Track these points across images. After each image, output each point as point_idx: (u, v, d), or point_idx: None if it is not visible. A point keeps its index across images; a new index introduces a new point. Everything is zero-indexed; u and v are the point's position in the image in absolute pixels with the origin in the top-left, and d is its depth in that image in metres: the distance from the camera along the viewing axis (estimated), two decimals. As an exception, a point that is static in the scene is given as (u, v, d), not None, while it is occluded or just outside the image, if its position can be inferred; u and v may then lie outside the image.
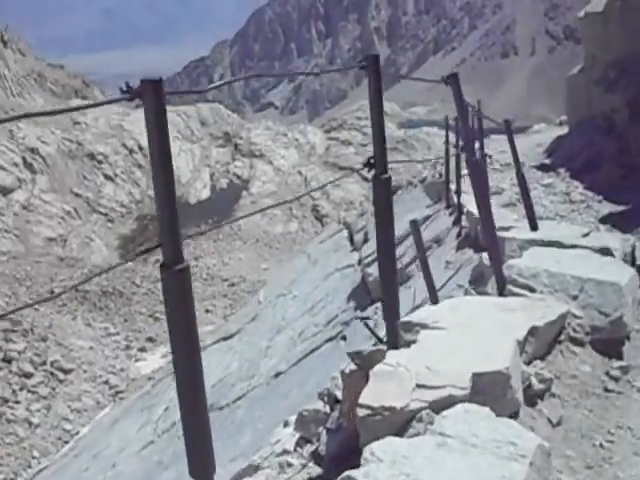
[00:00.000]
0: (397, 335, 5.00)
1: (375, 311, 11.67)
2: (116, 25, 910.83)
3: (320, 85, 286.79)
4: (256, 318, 17.88)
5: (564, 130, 18.02)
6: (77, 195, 62.36)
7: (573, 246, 7.29)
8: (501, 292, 6.18)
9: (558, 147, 16.14)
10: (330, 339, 11.66)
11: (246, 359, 14.22)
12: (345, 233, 19.82)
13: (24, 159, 60.01)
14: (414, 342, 4.88)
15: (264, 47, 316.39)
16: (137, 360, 29.59)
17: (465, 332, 4.98)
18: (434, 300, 7.39)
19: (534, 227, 8.62)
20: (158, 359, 28.51)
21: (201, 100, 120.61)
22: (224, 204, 62.72)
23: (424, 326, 5.17)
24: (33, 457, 19.63)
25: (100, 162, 67.11)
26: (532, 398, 4.63)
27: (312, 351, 11.78)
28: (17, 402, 22.48)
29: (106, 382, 25.27)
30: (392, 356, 4.55)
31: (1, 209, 54.25)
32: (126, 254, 57.47)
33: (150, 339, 32.94)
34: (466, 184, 13.41)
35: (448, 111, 21.54)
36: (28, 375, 24.06)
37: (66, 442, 20.06)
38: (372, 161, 4.96)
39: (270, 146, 74.33)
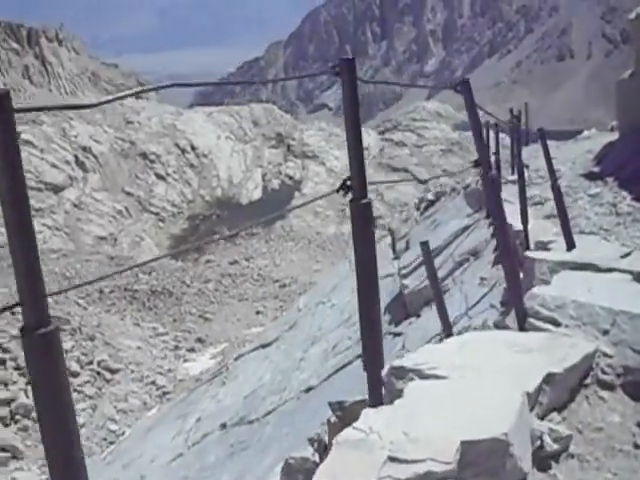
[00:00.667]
0: (379, 388, 4.09)
1: (409, 326, 11.24)
2: (171, 25, 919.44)
3: (374, 86, 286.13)
4: (294, 326, 17.36)
5: (615, 136, 17.21)
6: (128, 194, 62.55)
7: (610, 270, 6.51)
8: (521, 326, 5.45)
9: (607, 154, 15.28)
10: (360, 355, 11.13)
11: (280, 370, 13.64)
12: (389, 239, 18.98)
13: (76, 157, 60.35)
14: (399, 396, 3.92)
15: (318, 48, 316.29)
16: (185, 361, 29.24)
17: (466, 382, 4.07)
18: (448, 332, 6.81)
19: (571, 245, 8.01)
20: (207, 360, 28.11)
21: (255, 100, 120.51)
22: (276, 205, 62.46)
23: (419, 372, 4.24)
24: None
25: (152, 161, 67.31)
26: (544, 461, 3.77)
27: (343, 367, 11.20)
28: (63, 402, 22.19)
29: (153, 383, 24.89)
30: (366, 417, 3.58)
31: (52, 207, 54.55)
32: (177, 254, 57.47)
33: (199, 340, 32.61)
34: (508, 192, 12.53)
35: (503, 113, 20.83)
36: (75, 374, 23.79)
37: (111, 443, 19.70)
38: (348, 183, 3.95)
39: (323, 147, 74.01)
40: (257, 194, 69.27)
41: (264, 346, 17.37)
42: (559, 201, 8.50)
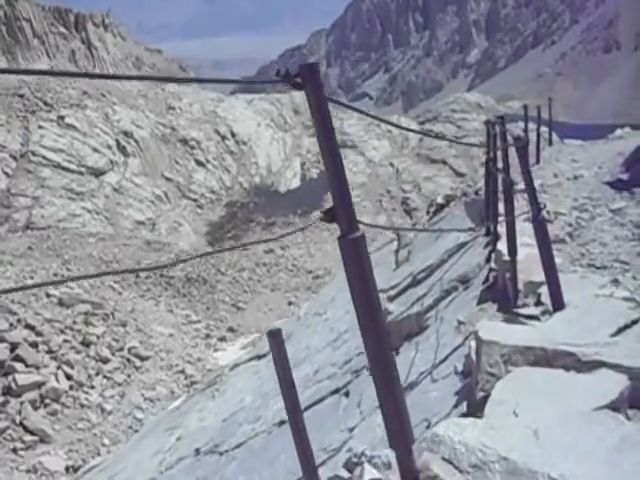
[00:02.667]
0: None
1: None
2: (216, 12, 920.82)
3: (416, 76, 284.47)
4: (289, 338, 15.10)
5: (651, 136, 16.01)
6: (168, 179, 62.80)
7: (596, 364, 4.26)
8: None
9: (639, 159, 13.00)
10: (336, 390, 9.41)
11: (261, 393, 12.04)
12: (395, 245, 16.42)
13: (117, 142, 60.68)
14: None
15: (361, 37, 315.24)
16: (216, 350, 29.28)
17: None
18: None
19: (559, 304, 5.90)
20: (237, 350, 28.08)
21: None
22: (314, 194, 62.35)
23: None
24: (103, 444, 19.40)
25: (192, 147, 67.52)
26: None
27: (315, 403, 9.55)
28: (92, 387, 22.31)
29: (182, 371, 24.96)
30: None
31: (93, 191, 54.94)
32: (214, 240, 57.70)
33: (231, 329, 32.67)
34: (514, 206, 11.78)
35: (543, 104, 20.50)
36: (105, 360, 23.90)
37: (136, 431, 19.77)
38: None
39: (362, 137, 73.77)
40: (295, 183, 69.22)
41: (259, 357, 15.74)
42: (543, 241, 6.19)
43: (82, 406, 21.28)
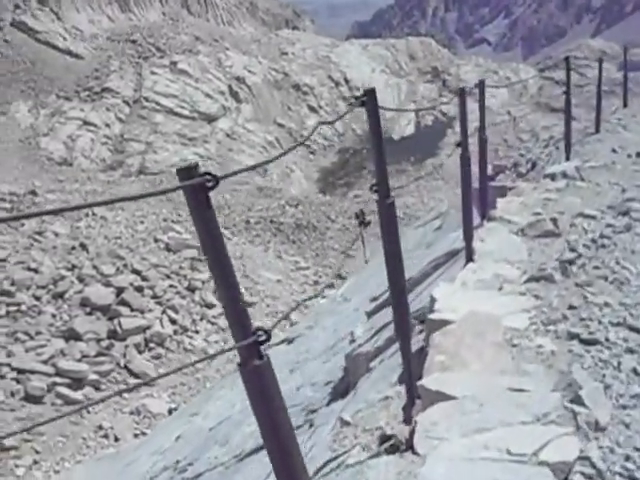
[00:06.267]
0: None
1: (347, 403, 6.54)
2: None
3: (537, 21, 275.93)
4: (311, 328, 13.43)
5: None
6: (280, 125, 62.62)
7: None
8: None
9: None
10: (300, 426, 7.51)
11: (243, 406, 9.78)
12: (436, 222, 14.37)
13: (230, 87, 60.73)
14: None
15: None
16: (324, 297, 29.00)
17: None
18: None
19: None
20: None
21: (413, 33, 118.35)
22: (428, 141, 61.20)
23: None
24: (205, 388, 19.39)
25: (305, 93, 67.08)
26: None
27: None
28: (196, 332, 22.38)
29: (287, 318, 24.76)
30: None
31: (205, 136, 55.25)
32: (325, 187, 57.39)
33: (339, 276, 32.29)
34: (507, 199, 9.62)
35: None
36: (210, 306, 23.94)
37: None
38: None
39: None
40: (409, 130, 68.10)
41: (289, 342, 13.57)
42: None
43: (186, 350, 21.38)
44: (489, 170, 16.14)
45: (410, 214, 45.28)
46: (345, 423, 5.41)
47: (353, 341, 8.56)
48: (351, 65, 72.81)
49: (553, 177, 10.42)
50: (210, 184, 2.40)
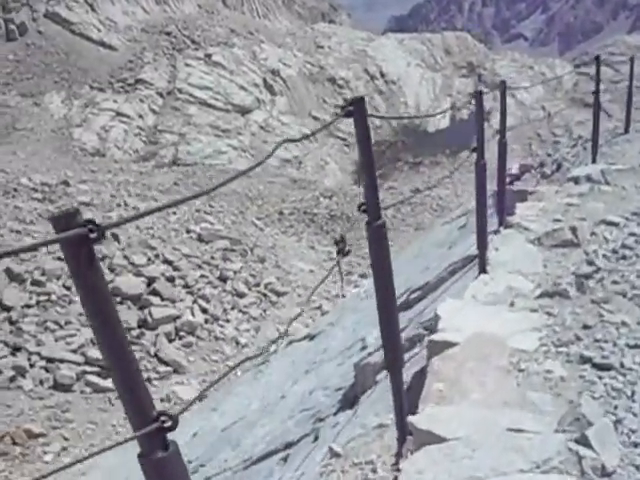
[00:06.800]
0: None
1: (352, 415, 6.18)
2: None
3: (574, 17, 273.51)
4: (335, 324, 12.66)
5: None
6: (315, 118, 62.40)
7: None
8: None
9: None
10: (288, 445, 7.19)
11: (264, 404, 9.68)
12: (463, 220, 13.93)
13: (265, 80, 60.62)
14: None
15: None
16: (356, 286, 28.80)
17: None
18: None
19: None
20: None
21: (449, 28, 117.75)
22: (462, 135, 60.79)
23: None
24: (236, 376, 19.28)
25: (341, 87, 66.86)
26: None
27: (277, 451, 7.27)
28: (227, 321, 22.27)
29: (319, 308, 24.52)
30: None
31: (239, 128, 55.18)
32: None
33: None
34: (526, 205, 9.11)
35: None
36: (241, 295, 23.84)
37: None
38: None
39: (514, 79, 71.41)
40: (444, 123, 67.65)
41: (311, 338, 12.96)
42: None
43: (217, 339, 21.30)
44: (515, 169, 15.80)
45: (443, 206, 44.96)
46: (335, 454, 5.06)
47: (364, 348, 8.15)
48: (387, 59, 72.51)
49: (577, 180, 10.01)
50: (93, 235, 1.96)
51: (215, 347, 20.74)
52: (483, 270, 6.93)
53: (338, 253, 3.87)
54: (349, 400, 7.03)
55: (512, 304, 5.74)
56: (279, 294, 24.94)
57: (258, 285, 24.91)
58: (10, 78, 54.74)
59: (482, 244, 7.08)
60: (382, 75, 70.44)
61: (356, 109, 3.89)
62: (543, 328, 5.11)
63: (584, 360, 4.53)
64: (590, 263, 6.16)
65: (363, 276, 30.38)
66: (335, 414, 6.82)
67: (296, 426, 7.45)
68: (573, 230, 7.18)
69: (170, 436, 2.30)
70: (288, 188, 43.96)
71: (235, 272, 24.84)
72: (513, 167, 16.27)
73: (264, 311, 23.55)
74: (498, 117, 7.66)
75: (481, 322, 5.33)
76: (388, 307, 4.19)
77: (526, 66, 74.38)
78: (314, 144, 59.82)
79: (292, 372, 10.48)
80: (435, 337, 5.23)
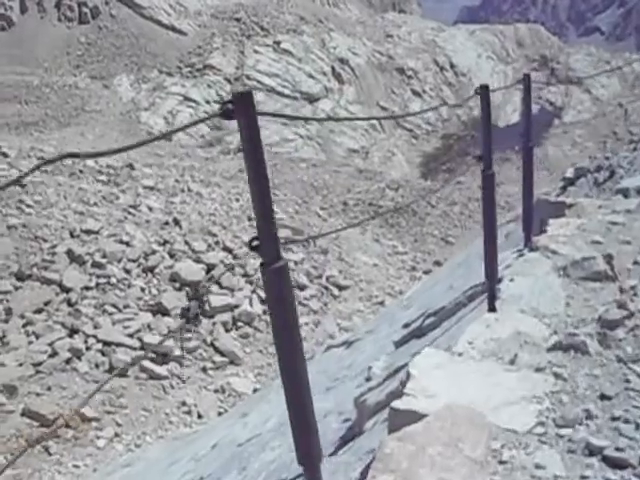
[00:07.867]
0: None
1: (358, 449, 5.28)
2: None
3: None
4: (371, 332, 11.47)
5: None
6: (383, 108, 61.79)
7: None
8: None
9: None
10: (299, 475, 5.99)
11: (281, 421, 8.39)
12: (512, 226, 12.90)
13: (333, 69, 60.22)
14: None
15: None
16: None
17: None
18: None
19: None
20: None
21: (522, 20, 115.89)
22: (534, 130, 59.56)
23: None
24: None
25: (409, 77, 66.18)
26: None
27: None
28: (286, 313, 21.85)
29: (381, 303, 23.94)
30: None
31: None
32: (427, 172, 56.44)
33: (437, 263, 31.40)
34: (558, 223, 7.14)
35: None
36: (302, 287, 23.37)
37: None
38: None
39: (589, 73, 69.91)
40: (515, 118, 66.47)
41: (348, 345, 11.67)
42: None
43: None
44: (569, 172, 14.06)
45: (512, 203, 43.99)
46: None
47: (369, 379, 7.07)
48: (457, 50, 71.61)
49: (626, 193, 8.43)
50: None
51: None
52: (491, 307, 5.59)
53: (187, 321, 3.10)
54: (347, 439, 6.07)
55: (514, 359, 4.34)
56: (341, 287, 24.41)
57: (320, 277, 24.42)
58: (81, 60, 55.20)
59: (491, 274, 5.77)
60: (452, 66, 69.77)
61: (239, 108, 2.86)
62: (546, 397, 3.79)
63: (591, 451, 3.25)
64: (621, 306, 4.60)
65: (428, 272, 29.75)
66: (332, 454, 5.88)
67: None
68: (608, 259, 5.60)
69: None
70: (354, 178, 43.41)
71: (296, 262, 24.39)
72: (568, 170, 14.65)
73: (325, 305, 23.06)
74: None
75: (464, 385, 3.99)
76: (297, 382, 3.17)
77: (602, 60, 73.06)
78: (381, 134, 59.30)
79: (315, 386, 9.68)
80: (398, 404, 3.86)
